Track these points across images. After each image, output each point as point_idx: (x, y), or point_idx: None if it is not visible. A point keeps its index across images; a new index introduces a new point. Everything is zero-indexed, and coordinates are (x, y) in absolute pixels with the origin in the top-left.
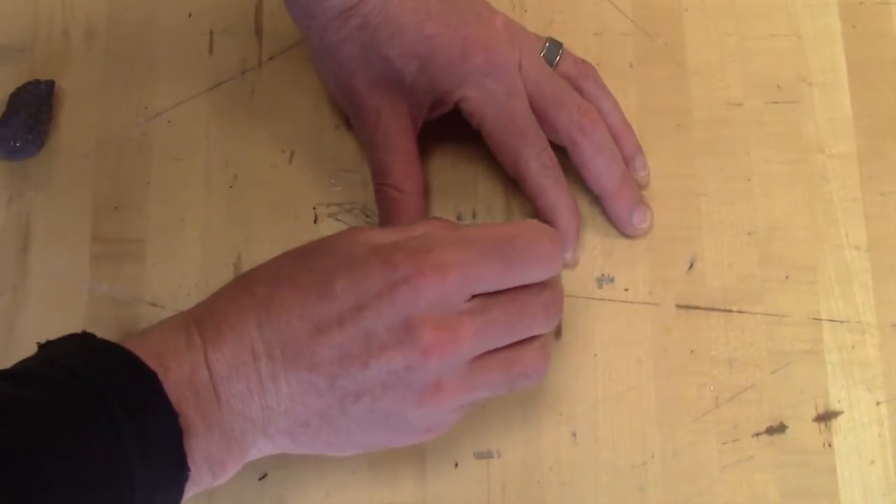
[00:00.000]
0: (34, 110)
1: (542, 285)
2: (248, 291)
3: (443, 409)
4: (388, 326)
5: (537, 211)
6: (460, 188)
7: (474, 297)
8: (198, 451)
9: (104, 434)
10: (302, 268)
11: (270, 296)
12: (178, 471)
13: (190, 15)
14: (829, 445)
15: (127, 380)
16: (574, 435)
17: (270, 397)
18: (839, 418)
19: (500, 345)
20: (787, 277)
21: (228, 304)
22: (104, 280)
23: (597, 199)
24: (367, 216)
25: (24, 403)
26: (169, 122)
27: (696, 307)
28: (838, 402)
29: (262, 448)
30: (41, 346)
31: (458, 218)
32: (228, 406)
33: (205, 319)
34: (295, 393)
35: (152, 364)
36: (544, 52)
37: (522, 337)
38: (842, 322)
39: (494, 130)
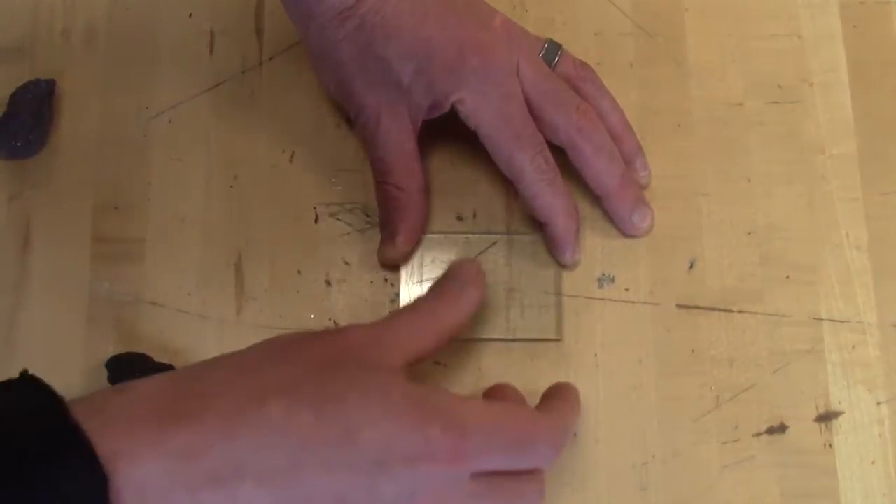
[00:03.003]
0: (35, 110)
1: (531, 477)
2: (259, 400)
3: None
4: (396, 495)
5: (534, 213)
6: (461, 188)
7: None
8: None
9: None
10: (324, 395)
11: (287, 413)
12: None
13: (190, 15)
14: (830, 446)
15: (68, 483)
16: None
17: None
18: (840, 418)
19: None
20: (787, 277)
21: (226, 415)
22: (104, 279)
23: (597, 200)
24: (368, 216)
25: None
26: (169, 121)
27: (697, 307)
28: (839, 402)
29: None
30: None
31: (459, 218)
32: None
33: (188, 416)
34: None
35: (106, 463)
36: (543, 52)
37: None
38: (842, 322)
39: (490, 133)
